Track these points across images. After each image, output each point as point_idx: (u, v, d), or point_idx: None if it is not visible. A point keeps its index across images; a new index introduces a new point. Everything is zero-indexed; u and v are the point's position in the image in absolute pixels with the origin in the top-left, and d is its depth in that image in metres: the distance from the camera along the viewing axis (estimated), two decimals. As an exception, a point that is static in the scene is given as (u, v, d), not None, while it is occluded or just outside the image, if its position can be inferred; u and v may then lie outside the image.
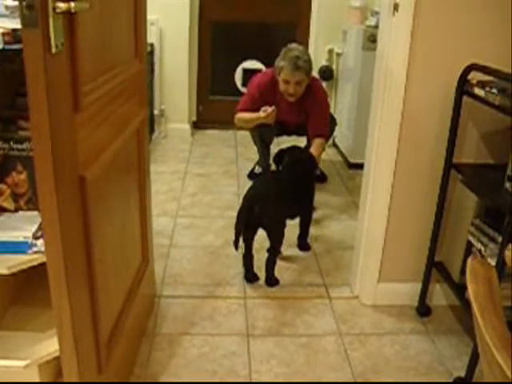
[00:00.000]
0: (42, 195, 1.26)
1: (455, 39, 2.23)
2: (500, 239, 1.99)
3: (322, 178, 4.15)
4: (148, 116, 2.26)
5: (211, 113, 5.40)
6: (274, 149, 3.88)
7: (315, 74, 4.68)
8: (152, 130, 4.76)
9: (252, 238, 2.73)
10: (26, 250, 1.49)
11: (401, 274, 2.61)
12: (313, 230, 3.23)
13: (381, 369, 2.22)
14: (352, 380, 2.15)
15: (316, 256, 3.07)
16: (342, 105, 4.83)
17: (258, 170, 4.14)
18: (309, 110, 3.63)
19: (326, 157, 4.64)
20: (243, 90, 4.68)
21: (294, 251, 3.09)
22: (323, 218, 3.54)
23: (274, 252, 2.77)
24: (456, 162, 2.31)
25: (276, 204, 2.72)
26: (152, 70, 4.64)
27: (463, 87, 2.16)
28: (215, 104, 5.39)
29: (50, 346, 1.56)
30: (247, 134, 3.99)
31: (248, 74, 4.98)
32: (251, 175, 4.16)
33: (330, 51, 5.04)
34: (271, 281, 2.76)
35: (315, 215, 3.44)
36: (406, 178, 2.43)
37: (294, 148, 3.26)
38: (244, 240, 2.74)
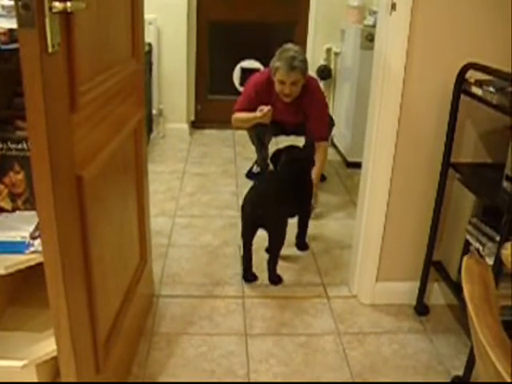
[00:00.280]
0: (39, 195, 1.26)
1: (453, 38, 2.23)
2: (498, 238, 1.99)
3: (321, 178, 4.15)
4: (145, 116, 2.25)
5: (209, 112, 5.39)
6: (272, 148, 3.88)
7: (313, 73, 4.70)
8: (150, 130, 4.76)
9: (252, 239, 2.73)
10: (24, 249, 1.48)
11: (399, 273, 2.61)
12: (311, 230, 3.23)
13: (379, 368, 2.22)
14: (350, 379, 2.15)
15: (314, 255, 3.08)
16: (340, 104, 4.83)
17: (256, 169, 4.14)
18: (306, 110, 3.63)
19: (325, 156, 4.64)
20: (241, 89, 4.67)
21: (292, 251, 3.09)
22: (321, 218, 3.54)
23: (274, 252, 2.77)
24: (454, 161, 2.31)
25: (278, 204, 2.73)
26: (150, 70, 4.63)
27: (461, 86, 2.16)
28: (213, 103, 5.38)
29: (47, 346, 1.56)
30: (245, 133, 3.99)
31: (246, 73, 4.98)
32: (249, 175, 4.16)
33: (328, 50, 5.04)
34: (274, 278, 2.77)
35: (313, 214, 3.43)
36: (404, 178, 2.43)
37: (291, 147, 3.26)
38: (243, 240, 2.74)
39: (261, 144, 3.95)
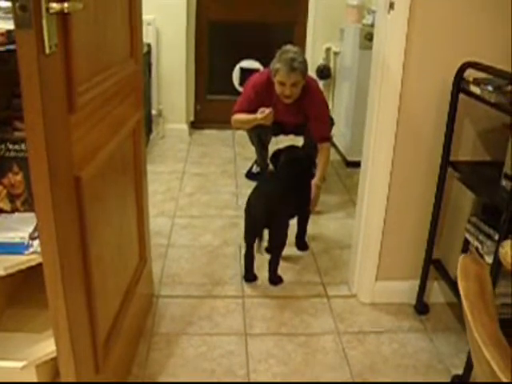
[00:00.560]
0: (37, 196, 1.26)
1: (451, 37, 2.23)
2: (497, 237, 1.99)
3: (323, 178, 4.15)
4: (144, 116, 2.25)
5: (209, 112, 5.39)
6: (271, 148, 3.88)
7: (313, 73, 4.70)
8: (150, 130, 4.75)
9: (255, 240, 2.72)
10: (23, 250, 1.49)
11: (399, 272, 2.61)
12: (310, 229, 3.23)
13: (379, 367, 2.22)
14: (350, 379, 2.15)
15: (314, 255, 3.08)
16: (339, 103, 4.83)
17: (255, 169, 4.14)
18: (307, 111, 3.62)
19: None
20: (241, 89, 4.68)
21: (292, 250, 3.09)
22: (321, 217, 3.54)
23: (277, 252, 2.77)
24: (453, 159, 2.31)
25: (282, 204, 2.73)
26: (149, 70, 4.63)
27: (459, 85, 2.16)
28: (213, 104, 5.38)
29: (47, 347, 1.56)
30: (245, 133, 3.99)
31: (245, 73, 4.98)
32: (249, 175, 4.16)
33: (328, 50, 5.04)
34: (275, 279, 2.77)
35: (313, 214, 3.43)
36: (403, 176, 2.43)
37: (291, 147, 3.26)
38: (247, 241, 2.74)
39: (261, 144, 3.95)
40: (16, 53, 1.14)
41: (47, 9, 1.13)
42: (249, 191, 2.80)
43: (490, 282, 0.92)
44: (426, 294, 2.59)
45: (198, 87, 5.31)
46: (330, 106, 4.83)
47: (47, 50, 1.15)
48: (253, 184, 3.03)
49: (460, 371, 2.12)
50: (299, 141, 3.90)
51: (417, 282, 2.56)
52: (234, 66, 5.28)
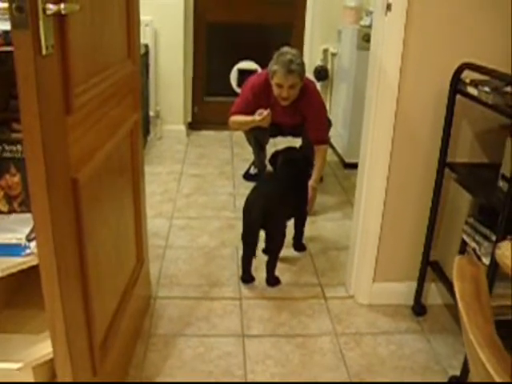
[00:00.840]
0: (34, 197, 1.26)
1: (448, 38, 2.23)
2: (494, 238, 2.00)
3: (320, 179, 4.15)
4: (142, 117, 2.26)
5: (206, 114, 5.40)
6: (269, 149, 3.89)
7: (310, 74, 4.70)
8: (147, 132, 4.76)
9: (253, 241, 2.72)
10: (20, 252, 1.48)
11: (396, 274, 2.61)
12: (308, 231, 3.23)
13: (376, 368, 2.22)
14: (347, 380, 2.15)
15: (311, 256, 3.08)
16: (337, 105, 4.83)
17: (253, 170, 4.14)
18: (304, 112, 3.63)
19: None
20: (238, 90, 4.68)
21: (290, 252, 3.09)
22: (319, 218, 3.54)
23: (274, 253, 2.77)
24: (450, 160, 2.31)
25: (279, 205, 2.73)
26: (147, 72, 4.63)
27: (456, 86, 2.16)
28: (210, 105, 5.39)
29: (44, 349, 1.56)
30: (243, 134, 3.99)
31: (243, 74, 4.99)
32: (247, 176, 4.16)
33: (325, 51, 5.05)
34: (272, 280, 2.77)
35: (310, 215, 3.44)
36: (401, 178, 2.43)
37: (289, 149, 3.26)
38: (245, 242, 2.74)
39: (258, 146, 3.95)
40: (13, 54, 1.14)
41: (44, 10, 1.13)
42: (246, 192, 2.80)
43: (485, 283, 0.92)
44: (424, 295, 2.59)
45: (195, 88, 5.31)
46: (328, 107, 4.83)
47: (44, 51, 1.15)
48: (250, 185, 3.04)
49: (457, 372, 2.12)
50: (297, 142, 3.89)
51: (414, 284, 2.57)
52: (232, 67, 5.29)
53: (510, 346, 1.01)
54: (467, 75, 2.12)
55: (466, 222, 2.23)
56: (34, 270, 1.43)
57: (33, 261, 1.45)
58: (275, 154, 3.19)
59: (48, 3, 1.14)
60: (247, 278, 2.77)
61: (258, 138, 3.86)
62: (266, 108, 3.53)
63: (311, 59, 5.04)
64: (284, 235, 2.80)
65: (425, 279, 2.53)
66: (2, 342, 1.62)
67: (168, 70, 4.87)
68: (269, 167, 3.39)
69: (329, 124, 3.97)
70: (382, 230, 2.52)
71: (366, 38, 3.95)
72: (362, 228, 2.57)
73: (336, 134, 4.67)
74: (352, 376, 2.17)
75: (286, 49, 3.54)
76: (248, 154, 4.28)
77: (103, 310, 1.76)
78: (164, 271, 2.84)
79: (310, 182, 3.39)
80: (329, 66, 5.08)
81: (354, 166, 2.91)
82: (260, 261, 2.82)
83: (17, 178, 1.59)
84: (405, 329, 2.48)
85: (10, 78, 1.20)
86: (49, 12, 1.15)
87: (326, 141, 3.71)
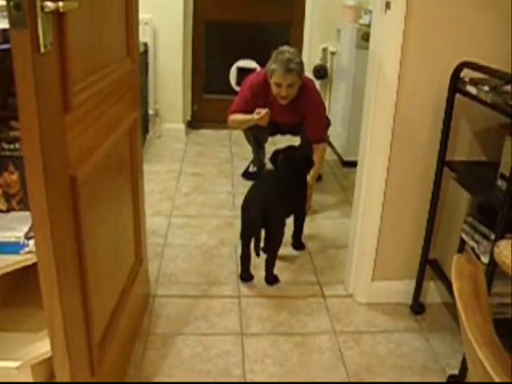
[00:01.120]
0: (33, 196, 1.25)
1: (447, 37, 2.23)
2: (493, 236, 2.00)
3: (317, 177, 4.15)
4: (140, 115, 2.25)
5: (206, 112, 5.39)
6: (268, 148, 3.89)
7: (309, 73, 4.70)
8: (146, 130, 4.75)
9: (251, 239, 2.72)
10: (18, 250, 1.48)
11: (395, 272, 2.61)
12: (307, 229, 3.23)
13: (375, 367, 2.22)
14: (346, 379, 2.15)
15: (310, 255, 3.08)
16: (336, 103, 4.83)
17: (252, 169, 4.14)
18: (303, 111, 3.63)
19: (321, 155, 4.64)
20: (237, 88, 4.68)
21: (289, 250, 3.09)
22: (317, 217, 3.54)
23: (273, 251, 2.77)
24: (449, 159, 2.31)
25: (278, 203, 2.73)
26: (146, 70, 4.63)
27: (456, 85, 2.16)
28: (210, 103, 5.38)
29: (42, 347, 1.56)
30: (242, 133, 3.99)
31: (242, 72, 4.98)
32: (246, 174, 4.16)
33: (325, 50, 5.05)
34: (271, 279, 2.77)
35: (309, 214, 3.44)
36: (400, 176, 2.43)
37: (290, 148, 3.26)
38: (244, 240, 2.74)
39: (257, 144, 3.95)
40: (11, 52, 1.13)
41: (42, 8, 1.13)
42: (245, 191, 2.80)
43: (484, 282, 0.92)
44: (423, 294, 2.59)
45: (194, 87, 5.31)
46: (327, 106, 4.82)
47: (42, 49, 1.15)
48: (249, 184, 3.04)
49: (456, 371, 2.12)
50: (296, 141, 3.89)
51: (413, 282, 2.57)
52: (231, 65, 5.29)
53: (509, 345, 1.01)
54: (466, 74, 2.12)
55: (465, 221, 2.23)
56: (32, 268, 1.43)
57: (31, 259, 1.45)
58: (276, 153, 3.19)
59: (46, 1, 1.14)
60: (246, 276, 2.77)
61: (256, 136, 3.86)
62: (264, 107, 3.53)
63: (310, 58, 5.04)
64: (283, 233, 2.80)
65: (423, 278, 2.53)
66: (1, 341, 1.62)
67: (167, 68, 4.87)
68: (268, 166, 3.39)
69: (328, 123, 3.97)
70: (380, 229, 2.52)
71: (365, 37, 3.94)
72: (360, 226, 2.57)
73: (335, 133, 4.67)
74: (351, 375, 2.17)
75: (284, 48, 3.54)
76: (247, 152, 4.29)
77: (102, 308, 1.76)
78: (163, 269, 2.84)
79: (307, 179, 3.39)
80: (328, 65, 5.07)
81: (353, 164, 2.92)
82: (259, 259, 2.81)
83: (15, 176, 1.59)
84: (403, 327, 2.48)
85: (9, 76, 1.20)
86: (47, 10, 1.14)
87: (324, 139, 3.71)
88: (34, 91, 1.14)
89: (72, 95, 1.34)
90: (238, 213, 2.76)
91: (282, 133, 4.00)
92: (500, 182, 2.05)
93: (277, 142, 4.19)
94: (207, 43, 5.24)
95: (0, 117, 1.62)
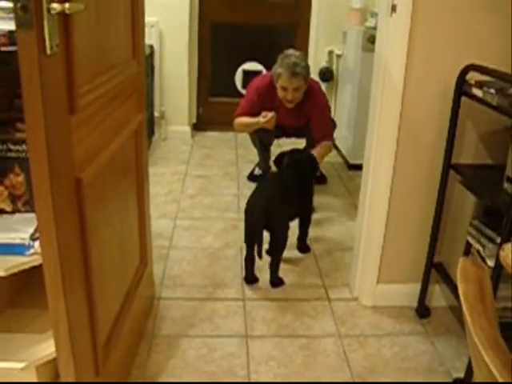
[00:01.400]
0: (38, 197, 1.26)
1: (453, 39, 2.22)
2: (499, 240, 1.99)
3: (322, 180, 4.15)
4: (147, 118, 2.26)
5: (211, 114, 5.40)
6: (274, 150, 3.89)
7: (315, 75, 4.69)
8: (152, 132, 4.76)
9: (255, 241, 2.72)
10: (24, 251, 1.49)
11: (400, 275, 2.61)
12: (312, 232, 3.23)
13: (380, 370, 2.21)
14: (351, 381, 2.14)
15: (315, 257, 3.07)
16: (342, 106, 4.83)
17: (257, 171, 4.14)
18: (309, 113, 3.63)
19: (326, 158, 4.62)
20: (243, 91, 4.68)
21: (294, 253, 3.09)
22: (323, 220, 3.54)
23: (277, 254, 2.77)
24: (455, 162, 2.31)
25: (281, 205, 2.73)
26: (152, 72, 4.63)
27: (461, 87, 2.16)
28: (215, 106, 5.38)
29: (47, 348, 1.56)
30: (247, 135, 4.00)
31: (248, 75, 4.99)
32: (251, 177, 4.16)
33: (330, 53, 5.05)
34: (276, 281, 2.76)
35: (315, 216, 3.43)
36: (405, 179, 2.43)
37: (295, 150, 3.26)
38: (247, 242, 2.74)
39: (263, 147, 3.95)
40: (17, 54, 1.14)
41: (48, 9, 1.13)
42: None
43: (489, 285, 0.92)
44: (428, 297, 2.58)
45: (200, 89, 5.31)
46: (333, 109, 4.82)
47: (48, 51, 1.15)
48: (255, 186, 3.03)
49: (461, 374, 2.12)
50: (301, 143, 3.89)
51: (418, 286, 2.56)
52: (237, 68, 5.29)
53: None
54: (472, 76, 2.11)
55: (471, 224, 2.23)
56: (37, 269, 1.43)
57: (36, 260, 1.46)
58: (280, 156, 3.19)
59: (53, 3, 1.14)
60: (250, 278, 2.77)
61: (262, 139, 3.86)
62: (270, 110, 3.53)
63: (316, 61, 5.04)
64: (287, 236, 2.79)
65: (429, 281, 2.53)
66: (6, 342, 1.62)
67: (173, 70, 4.88)
68: (273, 168, 3.39)
69: (333, 125, 3.97)
70: (386, 232, 2.52)
71: (371, 40, 3.94)
72: (366, 229, 2.57)
73: (341, 136, 4.67)
74: (355, 377, 2.16)
75: (290, 51, 3.54)
76: (253, 155, 4.29)
77: (106, 310, 1.76)
78: (168, 272, 2.84)
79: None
80: (334, 68, 5.07)
81: (359, 167, 2.91)
82: (264, 262, 2.81)
83: (21, 178, 1.59)
84: (409, 331, 2.47)
85: (15, 77, 1.21)
86: (53, 11, 1.15)
87: (329, 138, 3.69)
88: (40, 93, 1.15)
89: (78, 97, 1.34)
90: (243, 215, 2.75)
91: (288, 135, 4.00)
92: (506, 185, 2.04)
93: (282, 145, 4.20)
94: (213, 46, 5.25)
95: (6, 118, 1.62)
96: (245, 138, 4.31)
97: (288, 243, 2.82)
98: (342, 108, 4.82)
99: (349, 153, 4.51)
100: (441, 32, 2.21)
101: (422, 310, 2.57)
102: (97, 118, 1.56)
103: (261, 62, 5.17)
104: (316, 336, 2.40)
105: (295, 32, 5.23)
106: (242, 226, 2.79)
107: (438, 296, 2.63)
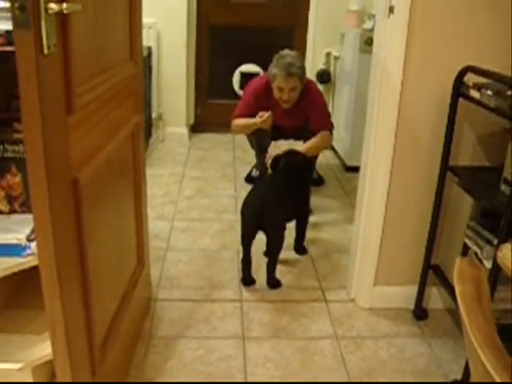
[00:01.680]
0: (35, 198, 1.25)
1: (451, 41, 2.23)
2: (496, 241, 1.99)
3: (320, 182, 4.15)
4: (145, 119, 2.25)
5: (209, 116, 5.40)
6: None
7: (313, 77, 4.70)
8: (149, 134, 4.75)
9: (251, 242, 2.72)
10: (21, 252, 1.48)
11: (397, 277, 2.61)
12: (309, 233, 3.23)
13: (377, 372, 2.21)
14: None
15: (313, 259, 3.07)
16: (339, 108, 4.83)
17: (255, 173, 4.14)
18: (307, 111, 3.63)
19: (324, 160, 4.64)
20: (241, 93, 4.68)
21: (291, 254, 3.09)
22: (320, 221, 3.54)
23: (273, 255, 2.77)
24: (452, 164, 2.31)
25: (277, 207, 2.73)
26: (150, 74, 4.63)
27: (459, 89, 2.16)
28: (213, 107, 5.39)
29: (44, 349, 1.56)
30: (245, 137, 3.99)
31: (246, 77, 4.99)
32: (249, 179, 4.16)
33: (328, 54, 5.05)
34: (273, 282, 2.76)
35: (312, 218, 3.43)
36: (402, 181, 2.43)
37: (291, 152, 3.25)
38: (243, 243, 2.73)
39: (260, 148, 3.94)
40: (15, 54, 1.13)
41: (46, 9, 1.13)
42: (248, 195, 2.80)
43: (486, 285, 0.92)
44: (425, 299, 2.58)
45: (198, 91, 5.31)
46: (330, 111, 4.82)
47: (46, 51, 1.15)
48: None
49: (458, 376, 2.11)
50: (299, 145, 3.89)
51: (415, 288, 2.56)
52: (235, 69, 5.29)
53: (512, 350, 1.01)
54: (470, 78, 2.12)
55: (468, 226, 2.23)
56: (34, 270, 1.43)
57: (33, 261, 1.45)
58: (276, 157, 3.19)
59: (50, 2, 1.14)
60: (247, 280, 2.77)
61: (259, 140, 3.85)
62: (267, 110, 3.53)
63: (314, 63, 5.05)
64: (282, 237, 2.79)
65: (426, 283, 2.52)
66: (3, 343, 1.62)
67: (171, 72, 4.88)
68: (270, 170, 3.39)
69: (331, 127, 3.96)
70: (383, 234, 2.51)
71: (368, 42, 3.94)
72: (363, 231, 2.57)
73: (338, 137, 4.67)
74: (352, 379, 2.16)
75: (285, 51, 3.55)
76: (250, 156, 4.28)
77: (103, 311, 1.76)
78: (165, 273, 2.83)
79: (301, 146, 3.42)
80: (331, 70, 5.08)
81: (356, 169, 2.91)
82: (261, 263, 2.81)
83: (18, 178, 1.59)
84: (406, 333, 2.47)
85: (12, 77, 1.20)
86: (51, 11, 1.15)
87: (328, 128, 3.67)
88: (37, 92, 1.14)
89: (75, 97, 1.34)
90: (240, 216, 2.76)
91: (286, 137, 3.99)
92: (503, 187, 2.04)
93: (280, 146, 4.19)
94: (211, 47, 5.25)
95: (3, 119, 1.62)
96: (242, 139, 4.31)
97: (285, 245, 2.82)
98: (339, 110, 4.82)
99: (346, 154, 4.52)
100: (438, 33, 2.21)
101: (419, 312, 2.57)
102: (94, 119, 1.56)
103: (258, 64, 5.17)
104: (313, 338, 2.40)
105: (293, 34, 5.23)
106: (239, 227, 2.79)
107: (436, 298, 2.63)
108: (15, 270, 1.46)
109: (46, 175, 1.22)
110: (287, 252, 3.02)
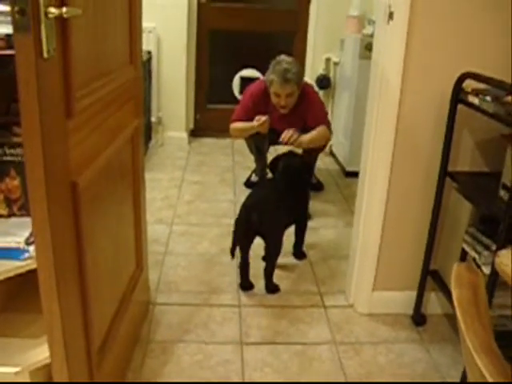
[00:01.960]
0: (33, 201, 1.25)
1: (450, 47, 2.23)
2: (494, 247, 1.99)
3: (319, 187, 4.15)
4: (144, 124, 2.26)
5: (209, 121, 5.40)
6: (270, 157, 3.88)
7: (312, 82, 4.70)
8: (149, 138, 4.76)
9: (249, 247, 2.72)
10: (19, 255, 1.48)
11: (396, 283, 2.61)
12: (308, 238, 3.23)
13: (375, 377, 2.21)
14: (346, 388, 2.15)
15: (311, 264, 3.07)
16: (339, 113, 4.84)
17: (254, 178, 4.14)
18: (305, 114, 3.64)
19: (323, 165, 4.65)
20: (240, 98, 4.69)
21: (290, 259, 3.08)
22: (319, 227, 3.54)
23: (271, 260, 2.76)
24: (451, 169, 2.31)
25: (274, 211, 2.72)
26: (149, 78, 4.64)
27: (458, 95, 2.16)
28: (213, 112, 5.39)
29: (41, 353, 1.55)
30: (244, 142, 4.00)
31: (246, 82, 4.99)
32: (248, 183, 4.16)
33: (328, 60, 5.06)
34: (271, 287, 2.76)
35: (311, 223, 3.43)
36: (401, 186, 2.43)
37: (289, 155, 3.26)
38: (241, 248, 2.73)
39: (259, 153, 3.95)
40: (14, 58, 1.14)
41: (46, 13, 1.13)
42: (247, 200, 2.80)
43: (484, 290, 0.92)
44: (424, 304, 2.58)
45: (198, 95, 5.32)
46: (329, 116, 4.83)
47: (45, 55, 1.15)
48: (250, 192, 3.04)
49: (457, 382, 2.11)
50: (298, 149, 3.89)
51: (414, 293, 2.56)
52: (235, 74, 5.30)
53: (510, 356, 1.01)
54: (469, 84, 2.12)
55: (467, 232, 2.23)
56: (33, 274, 1.43)
57: (32, 265, 1.45)
58: (275, 160, 3.19)
59: (50, 6, 1.14)
60: (245, 284, 2.76)
61: (258, 145, 3.86)
62: (265, 115, 3.54)
63: (313, 68, 5.06)
64: (281, 242, 2.79)
65: (425, 288, 2.52)
66: (0, 346, 1.61)
67: (170, 76, 4.88)
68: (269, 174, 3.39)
69: (328, 124, 3.97)
70: (382, 239, 2.51)
71: (368, 47, 3.95)
72: (362, 236, 2.57)
73: (337, 143, 4.68)
74: None
75: (282, 57, 3.56)
76: (249, 161, 4.29)
77: (101, 315, 1.75)
78: (163, 277, 2.83)
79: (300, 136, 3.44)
80: (331, 75, 5.08)
81: (355, 174, 2.91)
82: (259, 268, 2.81)
83: (17, 182, 1.59)
84: (404, 338, 2.47)
85: (12, 81, 1.20)
86: (51, 15, 1.15)
87: (325, 123, 3.67)
88: (37, 96, 1.15)
89: (74, 101, 1.34)
90: (238, 221, 2.76)
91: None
92: (502, 193, 2.04)
93: (278, 151, 4.19)
94: (211, 52, 5.26)
95: (3, 122, 1.62)
96: (241, 144, 4.31)
97: (284, 250, 2.82)
98: (338, 115, 4.83)
99: (345, 160, 4.52)
100: (438, 39, 2.22)
101: (418, 318, 2.57)
102: (93, 123, 1.56)
103: (258, 69, 5.16)
104: (311, 343, 2.40)
105: (293, 39, 5.24)
106: (237, 231, 2.78)
107: (434, 304, 2.63)
108: (14, 273, 1.46)
109: (45, 178, 1.23)
110: (286, 257, 3.02)
